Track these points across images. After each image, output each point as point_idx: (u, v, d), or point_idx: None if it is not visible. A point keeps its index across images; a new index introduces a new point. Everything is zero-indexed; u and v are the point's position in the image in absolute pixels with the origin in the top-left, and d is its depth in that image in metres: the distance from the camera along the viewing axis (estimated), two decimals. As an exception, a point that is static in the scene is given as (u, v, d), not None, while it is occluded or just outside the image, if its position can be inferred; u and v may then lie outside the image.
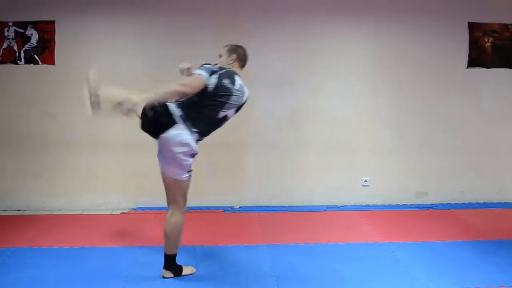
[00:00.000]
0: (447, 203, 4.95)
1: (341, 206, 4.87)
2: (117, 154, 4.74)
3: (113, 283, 3.04)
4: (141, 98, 2.82)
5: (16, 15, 4.56)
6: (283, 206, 4.85)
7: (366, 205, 4.90)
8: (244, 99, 3.14)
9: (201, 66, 3.08)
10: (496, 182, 5.04)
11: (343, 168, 4.89)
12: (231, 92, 3.00)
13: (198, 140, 3.04)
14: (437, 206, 4.89)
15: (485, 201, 5.00)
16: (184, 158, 2.98)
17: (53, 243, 3.71)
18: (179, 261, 3.17)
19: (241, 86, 3.07)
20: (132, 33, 4.70)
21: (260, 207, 4.81)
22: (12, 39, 4.58)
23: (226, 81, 2.98)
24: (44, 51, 4.60)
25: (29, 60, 4.60)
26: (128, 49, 4.68)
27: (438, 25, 4.81)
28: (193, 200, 4.83)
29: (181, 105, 2.99)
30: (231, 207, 4.80)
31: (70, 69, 4.62)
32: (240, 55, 3.22)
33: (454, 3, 4.81)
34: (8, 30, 4.57)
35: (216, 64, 3.15)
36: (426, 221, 4.39)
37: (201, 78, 2.94)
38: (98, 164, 4.72)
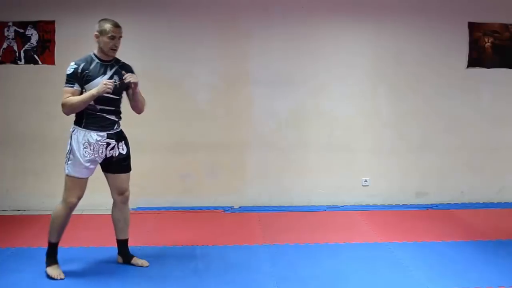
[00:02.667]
0: (447, 203, 4.95)
1: (341, 206, 4.87)
2: (117, 154, 4.73)
3: (113, 283, 3.05)
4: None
5: (16, 15, 4.56)
6: (283, 206, 4.85)
7: (366, 205, 4.90)
8: None
9: None
10: (496, 182, 5.04)
11: (343, 168, 4.89)
12: None
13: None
14: (437, 206, 4.88)
15: (485, 201, 5.00)
16: None
17: (53, 243, 3.70)
18: (176, 261, 3.16)
19: None
20: (132, 33, 4.67)
21: (260, 207, 4.81)
22: (12, 39, 4.58)
23: None
24: (44, 51, 4.60)
25: (29, 60, 4.60)
26: (127, 49, 4.64)
27: (438, 25, 4.81)
28: (193, 200, 4.86)
29: None
30: (231, 207, 4.80)
31: (70, 69, 4.62)
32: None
33: (454, 3, 4.81)
34: (8, 30, 4.57)
35: None
36: (426, 221, 4.39)
37: None
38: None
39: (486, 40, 4.86)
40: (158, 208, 4.70)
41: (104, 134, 3.14)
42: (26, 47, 4.59)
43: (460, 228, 4.17)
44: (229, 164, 4.82)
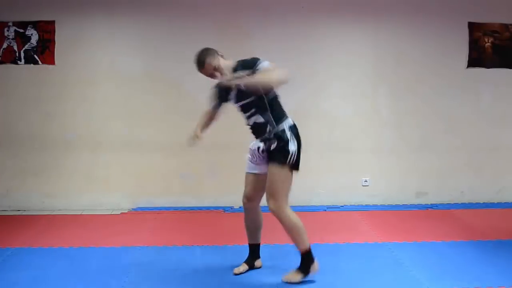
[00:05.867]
0: (447, 203, 4.95)
1: (341, 206, 4.87)
2: (117, 154, 4.74)
3: (113, 283, 3.04)
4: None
5: (16, 15, 4.56)
6: (283, 206, 4.84)
7: (366, 205, 4.90)
8: None
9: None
10: (496, 182, 5.04)
11: (343, 168, 4.89)
12: None
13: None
14: (437, 206, 4.89)
15: (485, 201, 5.00)
16: None
17: (53, 243, 3.71)
18: (176, 261, 3.16)
19: None
20: (132, 33, 4.70)
21: (260, 207, 4.80)
22: (12, 39, 4.58)
23: None
24: (44, 51, 4.60)
25: (29, 60, 4.60)
26: (128, 49, 4.69)
27: (438, 25, 4.81)
28: (193, 200, 4.86)
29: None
30: (231, 207, 4.79)
31: (70, 69, 4.63)
32: None
33: (454, 3, 4.81)
34: (8, 30, 4.57)
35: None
36: (426, 221, 4.39)
37: None
38: (98, 164, 4.72)
39: (486, 40, 4.86)
40: (158, 208, 4.70)
41: None
42: (26, 47, 4.59)
43: (460, 228, 4.17)
44: (229, 164, 4.81)
